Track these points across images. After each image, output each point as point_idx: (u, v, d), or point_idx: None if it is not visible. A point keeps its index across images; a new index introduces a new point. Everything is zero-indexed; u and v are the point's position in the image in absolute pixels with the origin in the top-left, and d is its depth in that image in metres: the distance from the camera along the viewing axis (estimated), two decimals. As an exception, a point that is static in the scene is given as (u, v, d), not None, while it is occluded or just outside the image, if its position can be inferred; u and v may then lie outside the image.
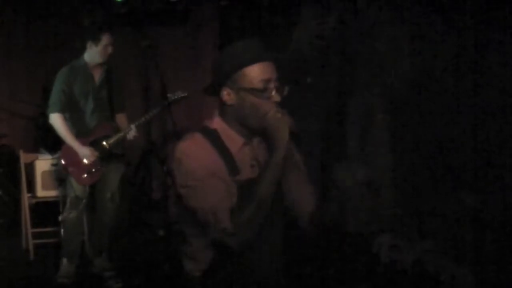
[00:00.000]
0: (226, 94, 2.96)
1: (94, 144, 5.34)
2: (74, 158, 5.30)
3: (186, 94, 5.73)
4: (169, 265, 5.49)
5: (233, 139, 3.00)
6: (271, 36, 5.67)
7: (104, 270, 5.50)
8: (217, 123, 3.03)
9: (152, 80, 6.83)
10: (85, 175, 5.30)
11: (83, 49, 5.39)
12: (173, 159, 2.97)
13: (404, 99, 4.80)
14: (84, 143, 5.31)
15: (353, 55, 5.09)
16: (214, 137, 2.98)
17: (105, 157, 5.36)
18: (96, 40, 5.30)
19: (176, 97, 5.70)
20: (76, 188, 5.32)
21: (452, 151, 4.59)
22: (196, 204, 2.90)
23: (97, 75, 5.41)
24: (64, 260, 5.47)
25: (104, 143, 5.37)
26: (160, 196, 6.80)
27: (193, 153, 2.93)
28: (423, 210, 4.56)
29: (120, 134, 5.40)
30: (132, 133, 5.41)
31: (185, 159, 2.93)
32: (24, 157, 6.17)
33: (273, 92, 2.93)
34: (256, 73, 2.93)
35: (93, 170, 5.31)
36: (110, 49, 5.35)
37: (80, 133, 5.36)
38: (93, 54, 5.34)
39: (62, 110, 5.32)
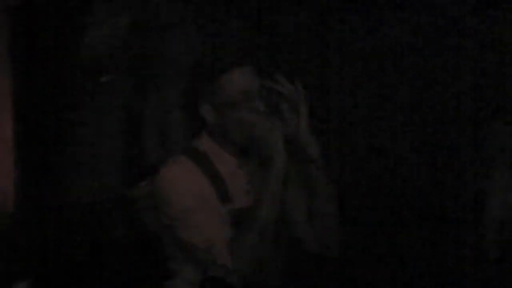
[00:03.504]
0: (205, 112, 2.62)
1: None
2: None
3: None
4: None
5: (225, 161, 2.65)
6: (65, 36, 5.59)
7: None
8: (206, 143, 2.68)
9: None
10: None
11: None
12: (156, 188, 2.61)
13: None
14: None
15: (153, 53, 5.12)
16: (203, 160, 2.62)
17: None
18: None
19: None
20: None
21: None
22: (187, 238, 2.51)
23: None
24: None
25: None
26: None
27: (179, 181, 2.56)
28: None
29: None
30: None
31: (170, 187, 2.55)
32: None
33: (256, 101, 2.57)
34: (233, 83, 2.57)
35: None
36: None
37: None
38: None
39: None
